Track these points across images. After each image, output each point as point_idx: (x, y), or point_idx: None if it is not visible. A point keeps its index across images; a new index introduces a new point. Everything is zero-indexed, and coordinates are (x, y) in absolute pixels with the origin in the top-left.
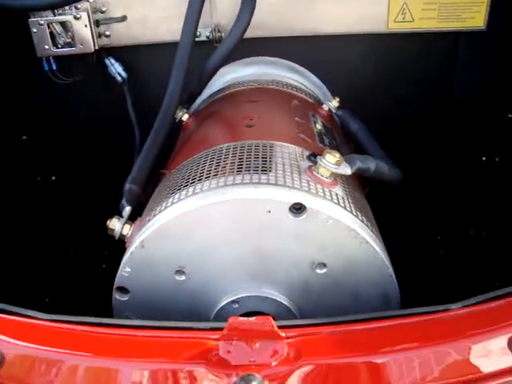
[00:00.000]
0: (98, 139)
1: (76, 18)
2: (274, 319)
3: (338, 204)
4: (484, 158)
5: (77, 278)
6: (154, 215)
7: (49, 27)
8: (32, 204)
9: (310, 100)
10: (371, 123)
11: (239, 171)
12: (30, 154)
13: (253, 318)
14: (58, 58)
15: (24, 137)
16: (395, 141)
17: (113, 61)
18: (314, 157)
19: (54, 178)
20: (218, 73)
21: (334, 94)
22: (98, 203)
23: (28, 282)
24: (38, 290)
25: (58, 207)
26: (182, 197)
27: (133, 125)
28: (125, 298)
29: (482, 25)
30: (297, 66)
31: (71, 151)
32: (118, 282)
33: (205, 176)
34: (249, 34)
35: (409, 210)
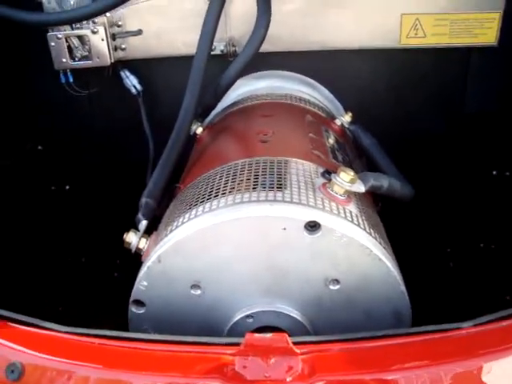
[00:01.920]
0: (112, 150)
1: (93, 32)
2: (288, 333)
3: (352, 222)
4: (495, 172)
5: (89, 287)
6: (171, 230)
7: (66, 41)
8: (45, 213)
9: (322, 115)
10: (383, 137)
11: (255, 188)
12: (45, 164)
13: (269, 335)
14: (74, 70)
15: (40, 147)
16: (407, 153)
17: (128, 73)
18: (328, 174)
19: (67, 187)
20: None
21: (345, 108)
22: (111, 212)
23: (41, 290)
24: (51, 298)
25: (71, 216)
26: (198, 213)
27: (147, 136)
28: (141, 310)
29: (493, 41)
30: (309, 79)
31: (85, 161)
32: (134, 295)
33: (221, 192)
34: (262, 48)
35: (419, 222)
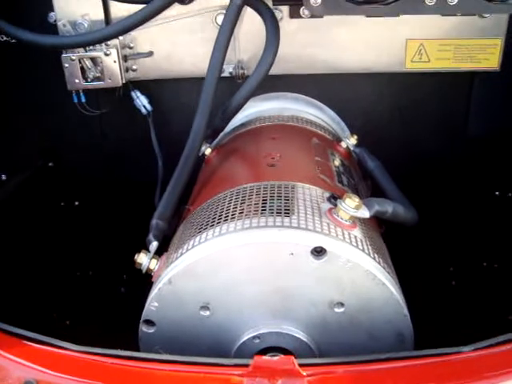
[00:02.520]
0: (121, 168)
1: (106, 55)
2: (294, 354)
3: (357, 247)
4: (497, 193)
5: (96, 301)
6: (182, 253)
7: (80, 62)
8: (55, 227)
9: (328, 137)
10: (387, 158)
11: (263, 212)
12: (56, 181)
13: (276, 357)
14: (86, 90)
15: (50, 163)
16: (410, 174)
17: (138, 94)
18: (334, 199)
19: (77, 203)
20: None
21: (351, 130)
22: (118, 229)
23: (49, 304)
24: (59, 312)
25: (79, 231)
26: (208, 237)
27: (156, 155)
28: (151, 330)
29: (495, 66)
30: (316, 101)
31: (95, 178)
32: (145, 315)
33: (230, 216)
34: (270, 71)
35: (423, 241)
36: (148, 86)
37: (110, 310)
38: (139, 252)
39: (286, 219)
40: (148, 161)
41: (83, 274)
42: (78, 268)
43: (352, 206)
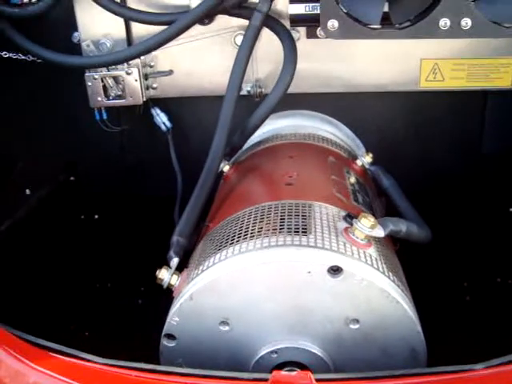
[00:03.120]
0: (140, 183)
1: (128, 73)
2: (310, 369)
3: (372, 266)
4: (511, 210)
5: (114, 313)
6: (202, 270)
7: (102, 81)
8: (75, 240)
9: (344, 155)
10: (402, 175)
11: (281, 231)
12: (76, 194)
13: (294, 372)
14: (108, 108)
15: (72, 178)
16: (425, 190)
17: (158, 111)
18: (349, 218)
19: (96, 216)
20: None
21: (366, 147)
22: (136, 242)
23: (68, 315)
24: (78, 323)
25: (98, 244)
26: (228, 254)
27: (175, 172)
28: (172, 344)
29: (509, 84)
30: (332, 119)
31: (115, 193)
32: (166, 329)
33: (249, 235)
34: None
35: (437, 256)
36: (168, 104)
37: (128, 321)
38: (160, 268)
39: (304, 238)
40: (167, 176)
41: (102, 286)
42: (96, 280)
43: (367, 226)
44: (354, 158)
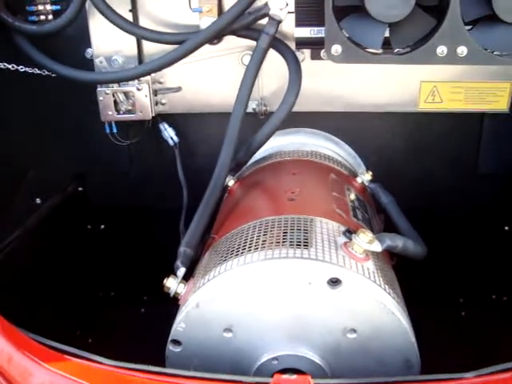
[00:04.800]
0: (146, 196)
1: (138, 89)
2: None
3: (369, 278)
4: (506, 228)
5: (117, 321)
6: (208, 280)
7: (113, 96)
8: (80, 249)
9: (345, 172)
10: (399, 192)
11: (283, 244)
12: (84, 205)
13: (294, 376)
14: (118, 122)
15: (80, 188)
16: (422, 209)
17: (166, 126)
18: (349, 233)
19: (102, 226)
20: None
21: (366, 165)
22: (140, 252)
23: (72, 323)
24: (82, 330)
25: (103, 253)
26: (233, 265)
27: (181, 185)
28: (177, 349)
29: (505, 107)
30: (333, 137)
31: (121, 204)
32: (172, 335)
33: (253, 247)
34: None
35: (434, 273)
36: (175, 119)
37: (130, 329)
38: (168, 276)
39: (305, 251)
40: (172, 189)
41: (105, 295)
42: (100, 288)
43: (365, 241)
44: (355, 175)
